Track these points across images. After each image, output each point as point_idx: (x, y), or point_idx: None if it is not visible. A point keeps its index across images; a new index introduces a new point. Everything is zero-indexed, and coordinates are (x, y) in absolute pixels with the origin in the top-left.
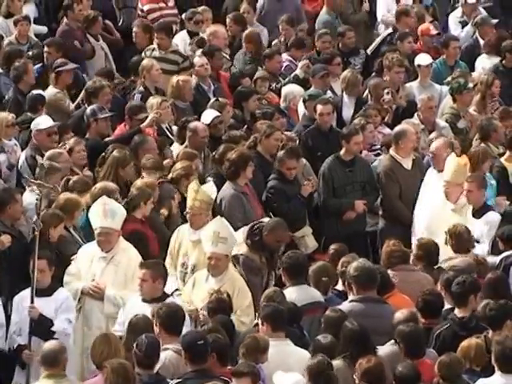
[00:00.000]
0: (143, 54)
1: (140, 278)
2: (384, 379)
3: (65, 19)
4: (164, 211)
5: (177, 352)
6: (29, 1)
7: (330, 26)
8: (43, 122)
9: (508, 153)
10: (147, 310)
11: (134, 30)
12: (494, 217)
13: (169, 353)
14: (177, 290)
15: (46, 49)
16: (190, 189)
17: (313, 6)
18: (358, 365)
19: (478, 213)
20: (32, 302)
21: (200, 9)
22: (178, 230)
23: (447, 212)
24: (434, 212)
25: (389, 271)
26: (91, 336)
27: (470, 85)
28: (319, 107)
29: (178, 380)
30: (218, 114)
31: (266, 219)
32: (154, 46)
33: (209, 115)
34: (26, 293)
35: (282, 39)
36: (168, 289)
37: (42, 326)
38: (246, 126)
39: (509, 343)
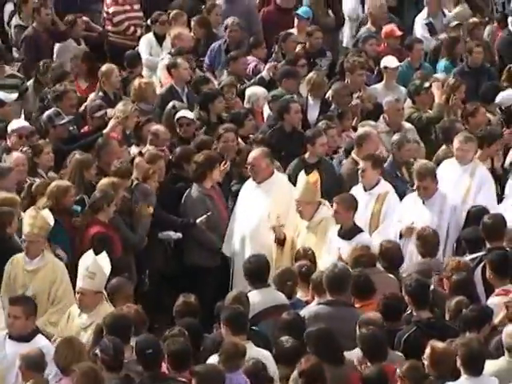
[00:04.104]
0: None
1: (12, 314)
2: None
3: (34, 23)
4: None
5: None
6: (9, 1)
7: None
8: (16, 123)
9: (479, 151)
10: (13, 347)
11: None
12: (365, 239)
13: None
14: None
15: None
16: (27, 215)
17: None
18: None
19: (348, 234)
20: None
21: (173, 12)
22: (12, 260)
23: (302, 230)
24: (251, 227)
25: None
26: None
27: (427, 84)
28: (292, 105)
29: None
30: (186, 113)
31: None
32: None
33: (180, 113)
34: None
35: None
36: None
37: None
38: (204, 128)
39: (475, 345)
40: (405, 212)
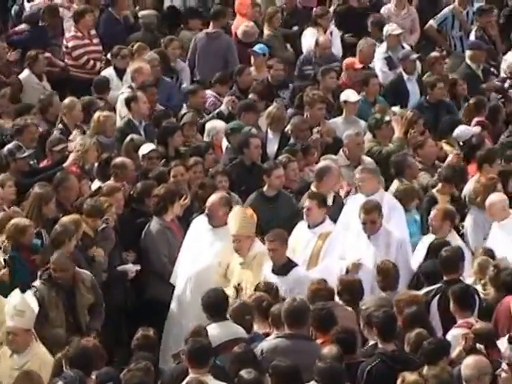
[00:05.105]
0: None
1: None
2: None
3: None
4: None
5: None
6: None
7: None
8: None
9: (440, 185)
10: None
11: None
12: (301, 273)
13: None
14: None
15: None
16: None
17: None
18: None
19: (282, 269)
20: None
21: (136, 45)
22: None
23: (236, 266)
24: (197, 270)
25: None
26: None
27: (387, 118)
28: (252, 140)
29: None
30: (154, 147)
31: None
32: None
33: (147, 147)
34: None
35: None
36: None
37: None
38: (163, 161)
39: (445, 376)
40: (348, 249)
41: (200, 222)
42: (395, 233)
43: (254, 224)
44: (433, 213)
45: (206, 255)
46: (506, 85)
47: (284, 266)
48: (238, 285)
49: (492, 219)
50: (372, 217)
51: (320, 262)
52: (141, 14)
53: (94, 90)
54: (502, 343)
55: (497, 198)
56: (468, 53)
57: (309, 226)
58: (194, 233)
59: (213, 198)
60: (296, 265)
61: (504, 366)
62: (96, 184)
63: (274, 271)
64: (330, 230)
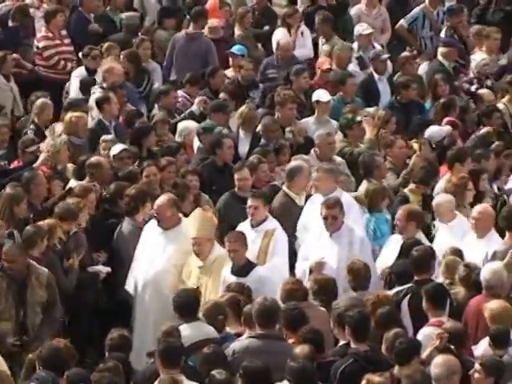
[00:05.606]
0: None
1: None
2: None
3: None
4: (71, 261)
5: None
6: None
7: None
8: None
9: (413, 185)
10: None
11: None
12: (262, 273)
13: None
14: None
15: None
16: None
17: None
18: None
19: (242, 270)
20: None
21: (106, 45)
22: None
23: (194, 270)
24: (153, 274)
25: None
26: None
27: (359, 118)
28: (225, 141)
29: None
30: (126, 146)
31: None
32: None
33: (118, 147)
34: None
35: None
36: None
37: None
38: (137, 162)
39: (418, 377)
40: (310, 248)
41: (151, 226)
42: (357, 230)
43: (215, 226)
44: (398, 212)
45: (160, 259)
46: (473, 88)
47: (244, 267)
48: (197, 288)
49: (439, 220)
50: (334, 212)
51: (268, 260)
52: (124, 15)
53: (80, 90)
54: (477, 348)
55: (443, 198)
56: (441, 50)
57: (252, 226)
58: (145, 237)
59: (160, 200)
60: (256, 265)
61: (477, 366)
62: (73, 185)
63: (233, 272)
64: (273, 227)
